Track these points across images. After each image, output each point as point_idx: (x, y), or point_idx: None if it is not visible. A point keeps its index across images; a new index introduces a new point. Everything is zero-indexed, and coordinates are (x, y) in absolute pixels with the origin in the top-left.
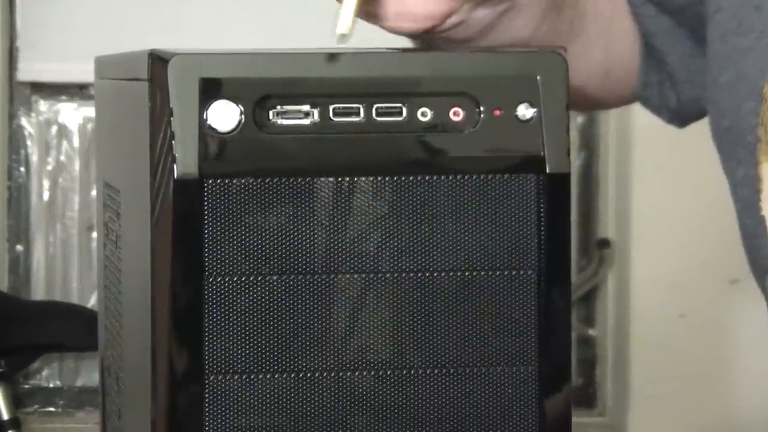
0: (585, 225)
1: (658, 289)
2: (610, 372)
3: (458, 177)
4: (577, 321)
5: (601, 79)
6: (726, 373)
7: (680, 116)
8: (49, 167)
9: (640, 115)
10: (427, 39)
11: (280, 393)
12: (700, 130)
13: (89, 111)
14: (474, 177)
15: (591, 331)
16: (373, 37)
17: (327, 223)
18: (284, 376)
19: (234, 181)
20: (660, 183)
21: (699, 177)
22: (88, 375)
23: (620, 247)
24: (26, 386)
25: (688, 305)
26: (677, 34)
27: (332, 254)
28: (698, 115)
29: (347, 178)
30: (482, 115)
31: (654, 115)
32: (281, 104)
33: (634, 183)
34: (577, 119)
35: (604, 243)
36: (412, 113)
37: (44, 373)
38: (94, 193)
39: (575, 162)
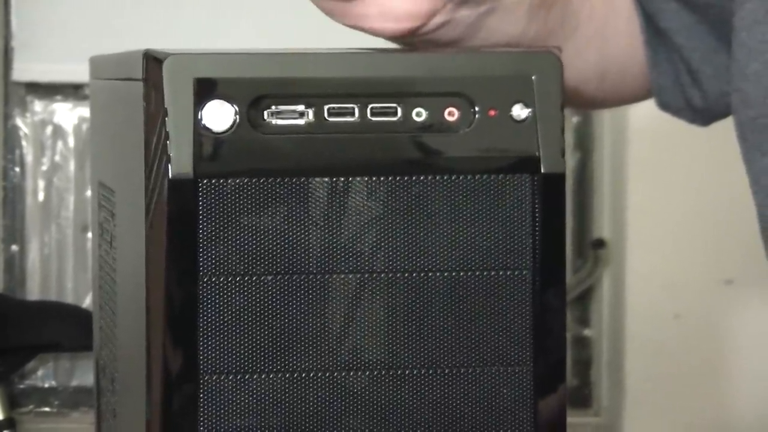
0: (580, 225)
1: (653, 289)
2: (605, 372)
3: (453, 177)
4: (572, 321)
5: (597, 80)
6: (720, 373)
7: (706, 114)
8: (44, 167)
9: (635, 116)
10: (413, 43)
11: (275, 393)
12: (695, 131)
13: (84, 111)
14: (469, 177)
15: (586, 332)
16: (367, 38)
17: (322, 224)
18: (279, 376)
19: (229, 181)
20: (655, 183)
21: (694, 177)
22: (84, 375)
23: (615, 248)
24: (21, 386)
25: (682, 306)
26: (700, 30)
27: (327, 254)
28: (725, 112)
29: (342, 179)
30: (477, 115)
31: (675, 117)
32: (276, 104)
33: (629, 183)
34: (572, 119)
35: (599, 243)
36: (407, 113)
37: (39, 373)
38: (89, 193)
39: (570, 162)
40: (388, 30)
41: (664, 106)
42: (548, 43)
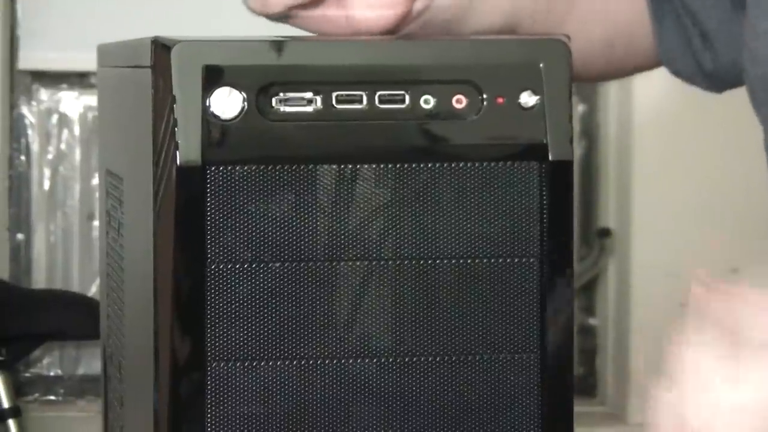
0: (586, 214)
1: (658, 278)
2: (611, 361)
3: (461, 165)
4: (577, 310)
5: (605, 52)
6: None
7: (717, 80)
8: (50, 156)
9: (640, 105)
10: (407, 34)
11: (283, 380)
12: (701, 121)
13: (90, 100)
14: (477, 165)
15: (592, 321)
16: None
17: (329, 211)
18: (286, 363)
19: (237, 169)
20: (661, 172)
21: (700, 166)
22: (89, 363)
23: (621, 237)
24: (27, 375)
25: (688, 294)
26: None
27: (335, 242)
28: (737, 80)
29: (350, 166)
30: (485, 103)
31: (689, 84)
32: (284, 91)
33: (634, 172)
34: (578, 108)
35: (605, 232)
36: (414, 101)
37: (45, 361)
38: (94, 181)
39: (576, 151)
40: (378, 18)
41: (676, 73)
42: (549, 18)
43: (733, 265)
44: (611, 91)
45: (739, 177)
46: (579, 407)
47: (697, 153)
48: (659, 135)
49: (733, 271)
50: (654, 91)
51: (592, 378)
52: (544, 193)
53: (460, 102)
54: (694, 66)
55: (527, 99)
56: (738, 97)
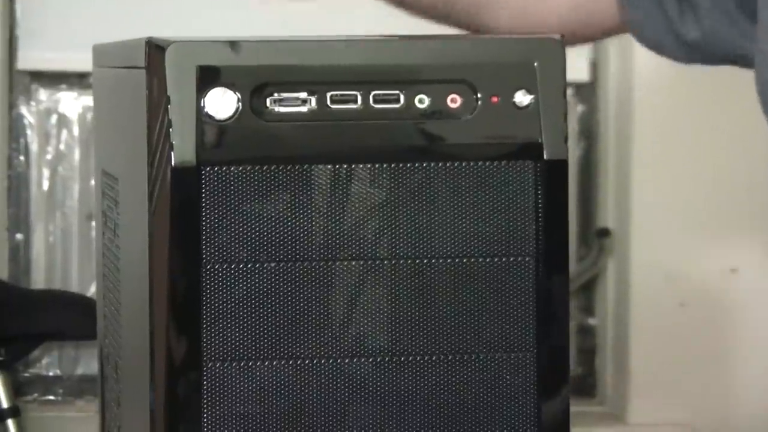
0: (585, 214)
1: (657, 278)
2: (610, 361)
3: (456, 164)
4: (576, 310)
5: (573, 17)
6: (726, 361)
7: (698, 50)
8: (49, 156)
9: (640, 105)
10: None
11: (279, 380)
12: (702, 119)
13: (89, 100)
14: (472, 164)
15: (591, 321)
16: (368, 26)
17: (325, 211)
18: (282, 363)
19: (231, 169)
20: (660, 172)
21: (699, 166)
22: (88, 364)
23: (620, 237)
24: (26, 375)
25: (688, 294)
26: None
27: (330, 241)
28: (719, 55)
29: (345, 166)
30: (480, 102)
31: (658, 53)
32: (279, 92)
33: (634, 172)
34: (578, 108)
35: (604, 232)
36: (409, 100)
37: (44, 361)
38: (93, 182)
39: (575, 151)
40: None
41: (644, 40)
42: None
43: (732, 264)
44: (611, 91)
45: (739, 177)
46: (578, 407)
47: (697, 153)
48: (659, 135)
49: (733, 270)
50: (654, 91)
51: (592, 378)
52: (539, 192)
53: (454, 101)
54: (671, 37)
55: (522, 98)
56: (738, 98)
